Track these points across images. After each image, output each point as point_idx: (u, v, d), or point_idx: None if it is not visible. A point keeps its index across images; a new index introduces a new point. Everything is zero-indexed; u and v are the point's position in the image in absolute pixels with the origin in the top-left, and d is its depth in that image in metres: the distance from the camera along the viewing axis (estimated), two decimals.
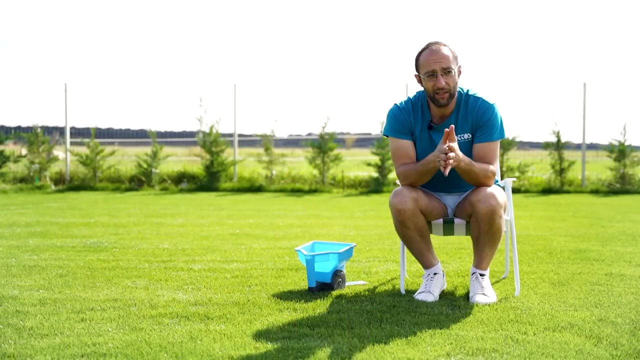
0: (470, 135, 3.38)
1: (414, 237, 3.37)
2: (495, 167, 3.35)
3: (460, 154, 3.19)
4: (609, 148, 12.44)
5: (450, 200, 3.53)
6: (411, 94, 3.54)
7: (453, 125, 3.17)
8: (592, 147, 14.14)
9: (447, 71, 3.27)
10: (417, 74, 3.38)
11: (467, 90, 3.42)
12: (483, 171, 3.28)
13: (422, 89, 3.42)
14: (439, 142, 3.21)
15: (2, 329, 2.82)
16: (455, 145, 3.16)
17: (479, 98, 3.39)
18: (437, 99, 3.31)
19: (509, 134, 12.65)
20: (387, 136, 3.48)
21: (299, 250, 3.58)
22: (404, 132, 3.42)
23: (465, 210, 3.37)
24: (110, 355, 2.47)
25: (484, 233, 3.26)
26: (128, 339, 2.66)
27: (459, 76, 3.36)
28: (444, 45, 3.32)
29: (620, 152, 12.23)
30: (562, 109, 18.72)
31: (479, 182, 3.30)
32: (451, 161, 3.11)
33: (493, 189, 3.28)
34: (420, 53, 3.36)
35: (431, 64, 3.28)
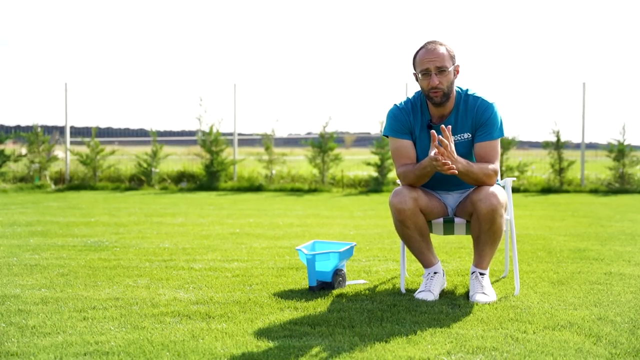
0: (471, 135, 3.40)
1: (413, 236, 3.39)
2: (496, 166, 3.34)
3: (456, 156, 3.17)
4: (608, 148, 12.45)
5: (451, 200, 3.55)
6: (411, 94, 3.56)
7: (444, 126, 3.14)
8: (592, 146, 14.15)
9: (441, 70, 3.29)
10: (414, 72, 3.40)
11: (467, 90, 3.44)
12: (482, 170, 3.28)
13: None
14: (430, 147, 3.21)
15: (5, 328, 2.83)
16: (451, 146, 3.14)
17: (478, 97, 3.40)
18: (432, 97, 3.33)
19: (508, 133, 12.68)
20: (387, 136, 3.50)
21: (299, 250, 3.60)
22: (404, 132, 3.43)
23: (467, 209, 3.38)
24: (113, 353, 2.48)
25: (485, 232, 3.28)
26: (130, 338, 2.67)
27: (456, 75, 3.37)
28: (441, 44, 3.34)
29: (619, 151, 12.24)
30: (561, 109, 18.78)
31: (480, 182, 3.31)
32: (447, 166, 3.09)
33: (494, 188, 3.29)
34: (417, 52, 3.38)
35: (425, 63, 3.31)
